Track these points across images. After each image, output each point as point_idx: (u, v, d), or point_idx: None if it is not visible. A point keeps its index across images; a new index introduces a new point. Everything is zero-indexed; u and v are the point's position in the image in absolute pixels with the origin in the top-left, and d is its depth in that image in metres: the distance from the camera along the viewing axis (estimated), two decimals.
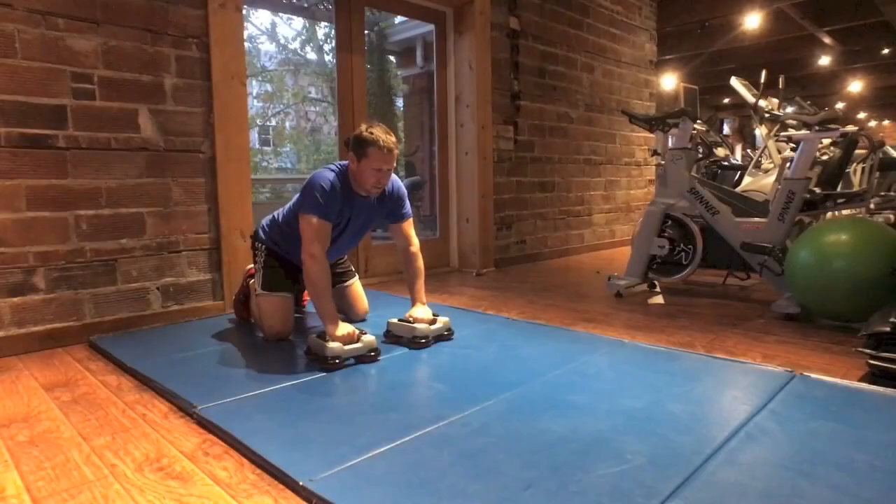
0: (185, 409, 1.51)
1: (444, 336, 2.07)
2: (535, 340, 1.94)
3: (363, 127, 1.96)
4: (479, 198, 3.77)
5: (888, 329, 1.59)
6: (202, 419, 1.43)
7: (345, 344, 1.80)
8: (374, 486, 1.11)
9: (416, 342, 1.98)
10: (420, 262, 2.20)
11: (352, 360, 1.82)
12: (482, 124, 3.74)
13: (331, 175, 1.97)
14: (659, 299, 2.81)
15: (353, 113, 3.27)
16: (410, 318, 2.05)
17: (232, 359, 1.93)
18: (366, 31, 3.39)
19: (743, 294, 2.90)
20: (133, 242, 2.32)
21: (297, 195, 2.12)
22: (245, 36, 2.63)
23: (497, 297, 2.94)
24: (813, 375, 1.64)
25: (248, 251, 2.60)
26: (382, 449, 1.24)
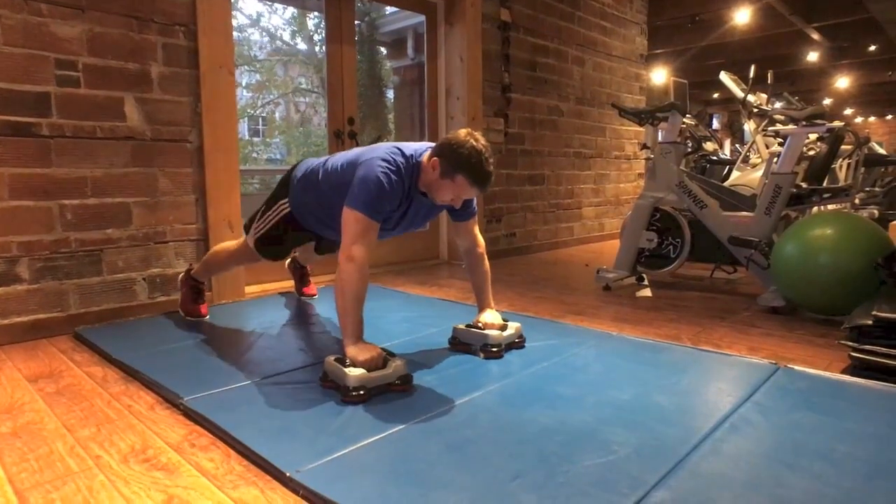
0: (171, 400, 1.50)
1: (516, 343, 1.88)
2: (524, 332, 1.94)
3: (467, 137, 1.61)
4: None
5: (870, 322, 1.61)
6: (188, 410, 1.43)
7: (369, 370, 1.48)
8: (361, 477, 1.11)
9: (488, 351, 1.79)
10: (487, 264, 1.97)
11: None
12: (472, 116, 3.74)
13: (393, 166, 1.64)
14: (647, 292, 2.82)
15: (342, 104, 3.25)
16: (480, 325, 1.85)
17: (219, 350, 1.92)
18: (356, 22, 3.36)
19: (730, 287, 2.92)
20: (119, 233, 2.30)
21: (343, 162, 1.78)
22: (234, 25, 2.60)
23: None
24: (797, 368, 1.66)
25: None
26: (370, 440, 1.24)
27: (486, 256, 1.97)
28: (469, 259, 1.96)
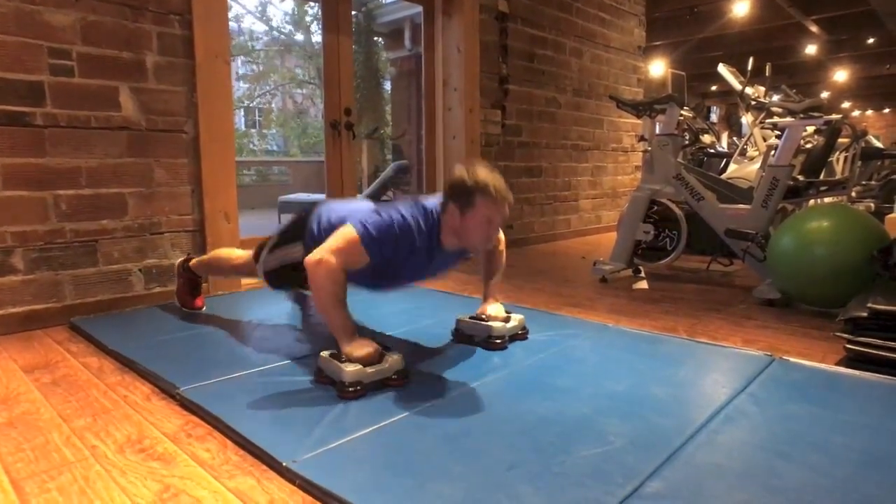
0: (167, 390, 1.50)
1: (519, 335, 1.87)
2: (526, 324, 1.94)
3: (463, 171, 1.56)
4: None
5: (865, 314, 1.61)
6: (185, 401, 1.42)
7: (365, 366, 1.46)
8: (357, 467, 1.11)
9: (491, 342, 1.78)
10: (504, 259, 1.94)
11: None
12: (470, 108, 3.72)
13: (411, 225, 1.56)
14: (643, 284, 2.83)
15: (339, 95, 3.23)
16: (484, 316, 1.83)
17: (215, 341, 1.91)
18: (353, 12, 3.34)
19: (726, 280, 2.93)
20: (114, 223, 2.29)
21: (369, 209, 1.66)
22: (230, 14, 2.58)
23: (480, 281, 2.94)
24: (792, 359, 1.67)
25: (233, 234, 2.58)
26: (366, 431, 1.24)
27: (504, 252, 1.96)
28: (488, 252, 1.94)
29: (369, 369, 1.46)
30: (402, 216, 1.58)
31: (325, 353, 1.51)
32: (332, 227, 1.71)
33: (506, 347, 1.80)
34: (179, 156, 2.44)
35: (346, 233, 1.55)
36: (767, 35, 8.41)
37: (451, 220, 1.58)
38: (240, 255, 2.14)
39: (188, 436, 1.27)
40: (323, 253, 1.52)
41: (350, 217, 1.61)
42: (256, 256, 2.01)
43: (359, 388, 1.42)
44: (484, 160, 1.66)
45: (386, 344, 1.57)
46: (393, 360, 1.50)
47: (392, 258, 1.59)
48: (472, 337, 1.84)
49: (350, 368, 1.43)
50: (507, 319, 1.84)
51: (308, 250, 1.75)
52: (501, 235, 1.93)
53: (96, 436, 1.27)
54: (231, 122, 2.60)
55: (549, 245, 4.39)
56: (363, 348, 1.48)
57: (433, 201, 1.66)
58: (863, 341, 1.62)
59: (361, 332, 1.57)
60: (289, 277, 1.95)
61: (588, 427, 1.26)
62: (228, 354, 1.78)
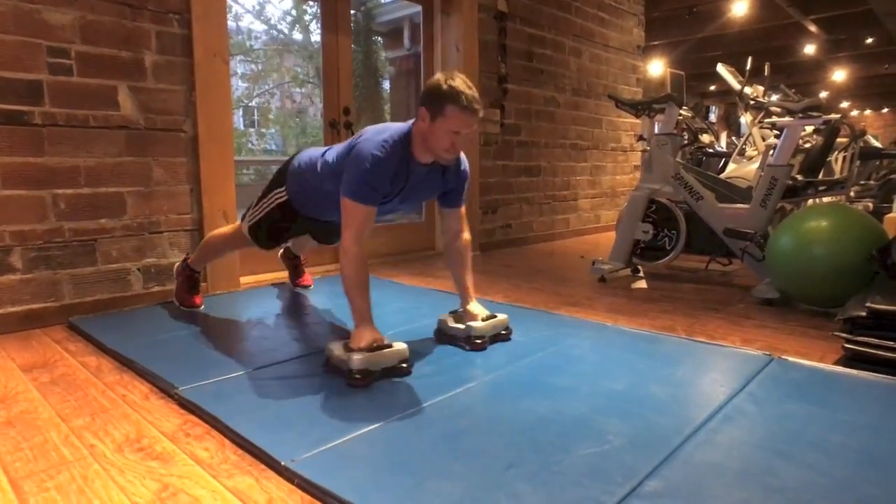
0: (166, 390, 1.50)
1: (502, 335, 1.87)
2: (519, 324, 1.95)
3: (441, 77, 1.59)
4: None
5: (864, 314, 1.62)
6: (183, 400, 1.42)
7: (370, 353, 1.51)
8: (356, 466, 1.11)
9: (472, 343, 1.79)
10: (469, 247, 1.94)
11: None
12: None
13: (383, 142, 1.63)
14: (642, 284, 2.83)
15: (338, 94, 3.23)
16: (465, 316, 1.85)
17: (214, 340, 1.91)
18: (352, 11, 3.33)
19: (724, 279, 2.93)
20: (113, 222, 2.28)
21: (340, 150, 1.78)
22: (230, 15, 2.58)
23: (482, 280, 2.94)
24: (790, 359, 1.67)
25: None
26: (365, 430, 1.24)
27: (469, 240, 1.94)
28: (452, 244, 1.92)
29: (375, 357, 1.51)
30: (379, 146, 1.63)
31: (333, 343, 1.57)
32: (311, 162, 1.88)
33: (485, 348, 1.79)
34: (178, 155, 2.43)
35: (347, 207, 1.64)
36: (766, 35, 8.41)
37: (422, 125, 1.63)
38: (227, 227, 2.22)
39: (187, 435, 1.27)
40: (343, 240, 1.63)
41: (341, 185, 1.66)
42: (243, 217, 2.11)
43: (367, 375, 1.47)
44: (462, 72, 1.67)
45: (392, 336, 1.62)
46: (399, 348, 1.55)
47: (393, 180, 1.67)
48: (454, 337, 1.84)
49: (357, 357, 1.48)
50: (487, 319, 1.84)
51: (291, 189, 1.94)
52: (467, 227, 1.93)
53: (95, 435, 1.27)
54: (230, 121, 2.59)
55: (547, 244, 4.39)
56: (370, 336, 1.54)
57: (406, 123, 1.72)
58: (861, 341, 1.62)
59: None
60: (274, 230, 2.03)
61: (587, 426, 1.26)
62: (227, 354, 1.78)
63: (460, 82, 1.58)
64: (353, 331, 1.58)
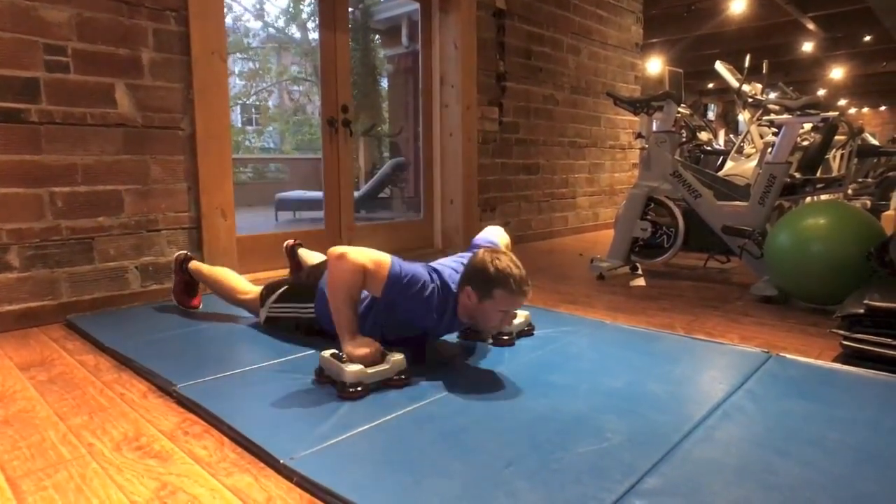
0: (164, 388, 1.50)
1: (525, 331, 1.89)
2: (532, 321, 1.94)
3: (487, 258, 1.53)
4: (463, 179, 3.76)
5: (862, 311, 1.62)
6: (182, 398, 1.42)
7: (367, 366, 1.44)
8: (355, 464, 1.11)
9: (499, 339, 1.80)
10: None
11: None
12: (467, 105, 3.72)
13: (433, 290, 1.55)
14: (641, 281, 2.83)
15: (336, 92, 3.22)
16: None
17: (212, 338, 1.91)
18: (350, 9, 3.32)
19: (723, 277, 2.93)
20: (110, 220, 2.28)
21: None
22: (226, 11, 2.57)
23: None
24: (788, 356, 1.67)
25: (230, 231, 2.57)
26: (364, 428, 1.24)
27: (509, 247, 1.91)
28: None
29: (370, 370, 1.44)
30: (431, 280, 1.56)
31: (325, 353, 1.48)
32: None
33: (513, 343, 1.80)
34: (176, 153, 2.43)
35: (381, 257, 1.54)
36: (764, 32, 8.42)
37: (468, 302, 1.55)
38: (246, 290, 2.08)
39: (185, 433, 1.27)
40: (350, 251, 1.52)
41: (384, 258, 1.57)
42: (263, 300, 1.98)
43: (360, 388, 1.40)
44: (507, 252, 1.62)
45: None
46: (395, 360, 1.48)
47: (400, 309, 1.58)
48: (480, 333, 1.83)
49: (351, 369, 1.41)
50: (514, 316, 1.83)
51: (319, 311, 1.77)
52: (506, 238, 1.90)
53: (93, 433, 1.27)
54: (227, 119, 2.59)
55: (546, 242, 4.39)
56: (364, 348, 1.47)
57: (453, 273, 1.63)
58: (859, 338, 1.63)
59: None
60: (288, 329, 1.93)
61: (585, 424, 1.26)
62: (225, 352, 1.77)
63: (508, 263, 1.53)
64: (345, 343, 1.49)
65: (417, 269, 1.58)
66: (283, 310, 1.93)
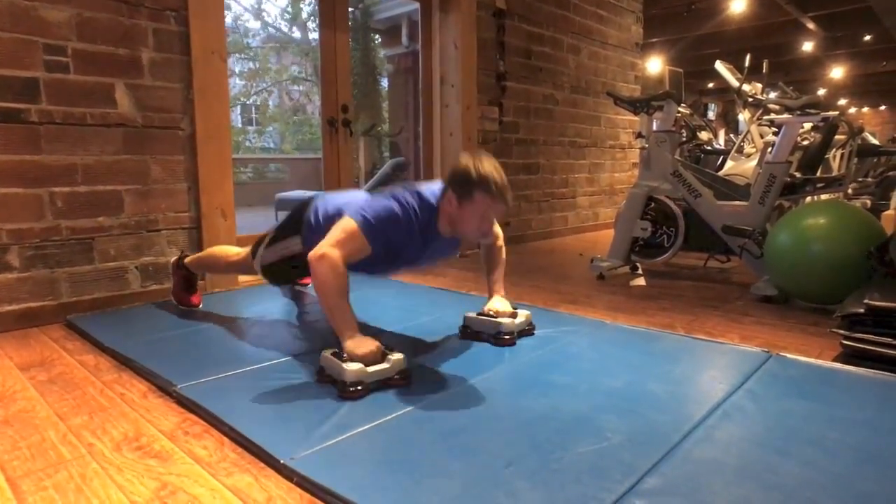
0: (164, 388, 1.50)
1: (526, 331, 1.88)
2: (533, 320, 1.94)
3: (468, 161, 1.55)
4: None
5: (862, 311, 1.62)
6: (182, 398, 1.42)
7: (367, 365, 1.43)
8: (355, 464, 1.11)
9: (500, 339, 1.78)
10: (504, 254, 1.96)
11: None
12: (467, 105, 3.72)
13: (412, 211, 1.58)
14: (641, 281, 2.83)
15: (336, 92, 3.22)
16: (491, 312, 1.83)
17: (212, 338, 1.91)
18: (350, 9, 3.32)
19: (723, 276, 2.93)
20: (110, 220, 2.28)
21: (365, 198, 1.69)
22: (226, 11, 2.57)
23: (481, 278, 2.94)
24: (789, 356, 1.67)
25: (230, 231, 2.57)
26: (364, 428, 1.24)
27: (504, 247, 1.98)
28: (485, 248, 1.97)
29: (371, 369, 1.43)
30: (399, 203, 1.59)
31: (326, 352, 1.49)
32: (329, 218, 1.74)
33: (514, 343, 1.80)
34: (176, 153, 2.43)
35: (346, 225, 1.55)
36: (764, 32, 8.41)
37: (448, 207, 1.59)
38: (236, 251, 2.15)
39: (185, 433, 1.27)
40: (325, 247, 1.52)
41: (347, 207, 1.62)
42: (254, 252, 2.02)
43: (360, 388, 1.40)
44: (489, 153, 1.64)
45: (388, 343, 1.54)
46: (395, 359, 1.47)
47: (391, 245, 1.60)
48: (480, 333, 1.84)
49: (352, 368, 1.40)
50: (514, 315, 1.85)
51: (306, 242, 1.80)
52: (499, 231, 1.95)
53: (93, 434, 1.27)
54: (227, 119, 2.59)
55: (546, 242, 4.39)
56: (365, 346, 1.46)
57: (431, 188, 1.67)
58: (859, 337, 1.63)
59: (363, 330, 1.56)
60: (287, 272, 1.96)
61: (585, 423, 1.26)
62: (225, 352, 1.77)
63: (490, 168, 1.54)
64: (345, 342, 1.48)
65: (382, 202, 1.59)
66: (273, 252, 1.95)
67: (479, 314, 1.87)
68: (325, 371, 1.49)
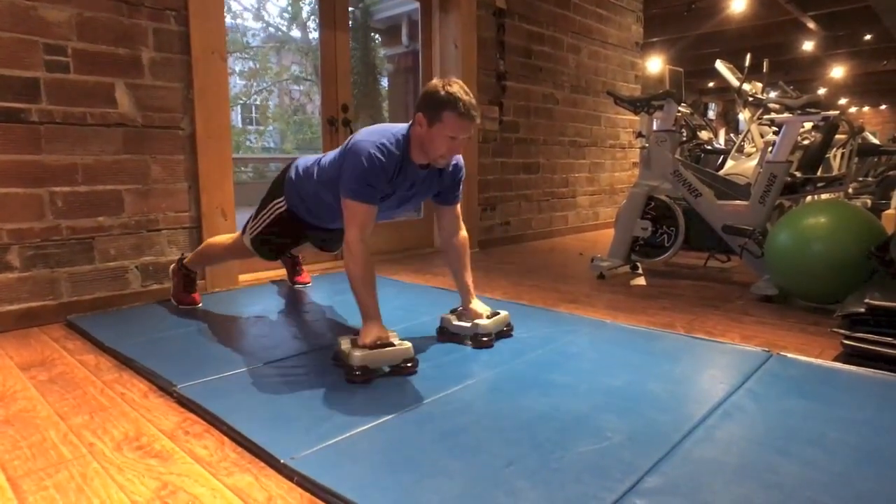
0: (164, 388, 1.50)
1: (505, 332, 1.88)
2: (518, 321, 1.95)
3: (438, 83, 1.61)
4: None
5: (863, 310, 1.62)
6: (182, 398, 1.42)
7: (372, 350, 1.52)
8: (355, 464, 1.11)
9: (478, 341, 1.79)
10: (467, 245, 1.94)
11: (385, 368, 1.55)
12: None
13: (380, 144, 1.63)
14: (641, 281, 2.83)
15: (336, 91, 3.22)
16: (469, 315, 1.85)
17: (213, 338, 1.91)
18: (350, 8, 3.32)
19: (723, 276, 2.93)
20: (111, 220, 2.28)
21: (334, 155, 1.79)
22: (226, 10, 2.57)
23: (481, 278, 2.94)
24: (789, 355, 1.67)
25: (230, 231, 2.57)
26: (364, 427, 1.24)
27: (467, 238, 1.94)
28: (449, 243, 1.91)
29: (375, 353, 1.51)
30: (375, 147, 1.63)
31: (342, 337, 1.60)
32: (308, 171, 1.88)
33: (492, 345, 1.79)
34: (176, 152, 2.43)
35: (347, 207, 1.65)
36: (765, 31, 8.41)
37: (419, 130, 1.64)
38: (229, 236, 2.22)
39: (186, 433, 1.27)
40: (346, 239, 1.64)
41: (340, 188, 1.67)
42: (244, 230, 2.10)
43: (362, 373, 1.48)
44: (456, 78, 1.68)
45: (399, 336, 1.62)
46: (401, 347, 1.55)
47: (391, 180, 1.68)
48: (458, 335, 1.84)
49: (358, 353, 1.49)
50: (491, 316, 1.84)
51: (290, 200, 1.94)
52: (463, 226, 1.92)
53: (93, 433, 1.27)
54: (227, 119, 2.58)
55: (546, 241, 4.39)
56: (373, 334, 1.54)
57: (402, 125, 1.73)
58: (860, 337, 1.63)
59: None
60: (277, 244, 2.05)
61: (586, 423, 1.26)
62: (225, 351, 1.77)
63: (458, 88, 1.59)
64: (362, 329, 1.58)
65: (358, 160, 1.63)
66: (260, 221, 2.02)
67: (456, 315, 1.87)
68: (338, 356, 1.58)
